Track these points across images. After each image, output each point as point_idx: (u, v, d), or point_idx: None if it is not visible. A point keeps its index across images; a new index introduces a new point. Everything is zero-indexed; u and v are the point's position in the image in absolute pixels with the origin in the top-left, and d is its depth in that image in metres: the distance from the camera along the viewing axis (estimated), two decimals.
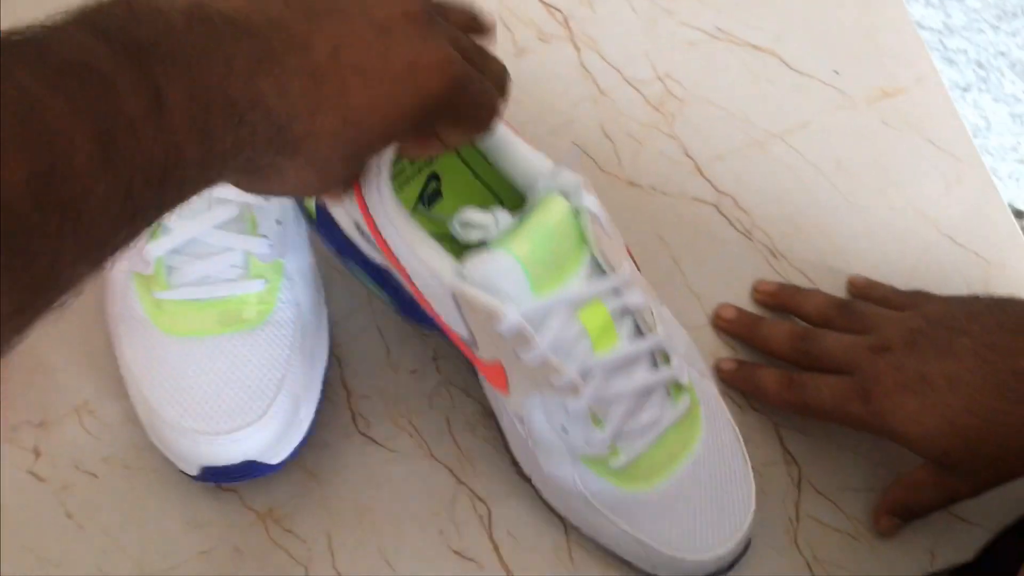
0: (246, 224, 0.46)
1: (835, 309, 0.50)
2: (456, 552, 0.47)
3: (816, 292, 0.52)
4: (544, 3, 0.60)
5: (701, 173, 0.56)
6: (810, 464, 0.50)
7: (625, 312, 0.44)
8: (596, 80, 0.58)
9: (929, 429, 0.44)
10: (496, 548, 0.48)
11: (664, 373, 0.45)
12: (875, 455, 0.50)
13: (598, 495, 0.46)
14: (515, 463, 0.49)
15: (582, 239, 0.41)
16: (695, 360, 0.48)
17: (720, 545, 0.45)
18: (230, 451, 0.44)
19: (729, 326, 0.52)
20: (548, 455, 0.46)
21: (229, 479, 0.46)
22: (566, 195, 0.41)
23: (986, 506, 0.48)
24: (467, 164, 0.48)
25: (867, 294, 0.52)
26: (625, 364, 0.44)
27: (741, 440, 0.47)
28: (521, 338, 0.41)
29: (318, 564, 0.47)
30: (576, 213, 0.41)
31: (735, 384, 0.51)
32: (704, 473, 0.46)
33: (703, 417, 0.47)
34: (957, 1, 1.47)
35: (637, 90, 0.58)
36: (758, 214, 0.55)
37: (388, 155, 0.41)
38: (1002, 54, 1.48)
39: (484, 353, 0.44)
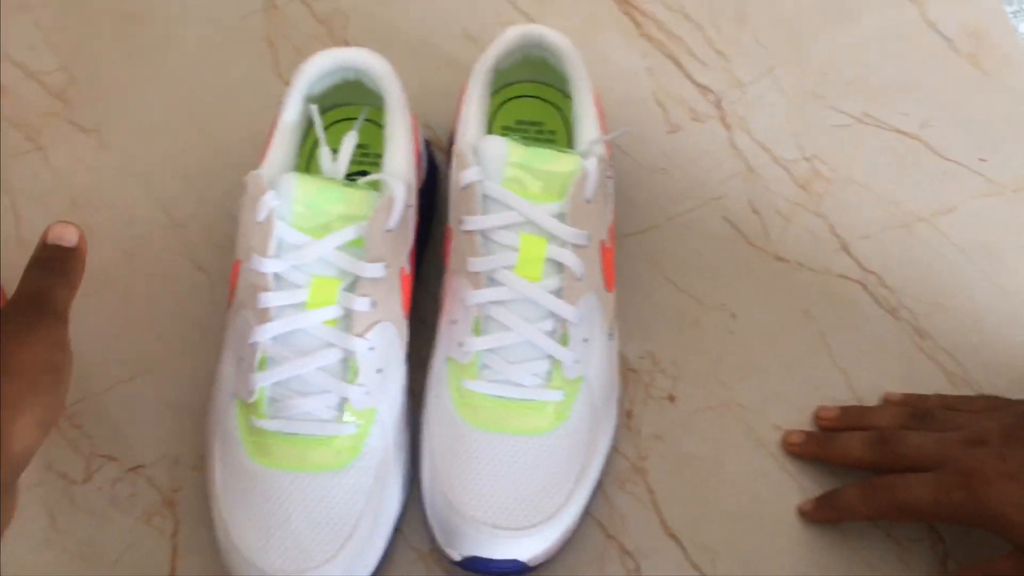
0: (348, 372, 0.46)
1: (911, 417, 0.50)
2: None
3: (887, 405, 0.53)
4: (697, 84, 0.63)
5: (847, 251, 0.58)
6: (956, 540, 0.51)
7: (559, 266, 0.47)
8: (746, 158, 0.61)
9: None
10: None
11: (552, 347, 0.46)
12: None
13: (438, 400, 0.48)
14: None
15: (565, 188, 0.46)
16: (602, 386, 0.49)
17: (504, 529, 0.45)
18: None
19: (801, 448, 0.52)
20: (438, 339, 0.49)
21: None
22: (584, 158, 0.47)
23: None
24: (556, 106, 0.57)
25: (924, 401, 0.52)
26: (528, 305, 0.46)
27: (590, 481, 0.48)
28: (468, 199, 0.46)
29: None
30: (576, 170, 0.46)
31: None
32: (524, 462, 0.46)
33: (561, 427, 0.47)
34: None
35: (785, 169, 0.60)
36: (904, 293, 0.57)
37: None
38: None
39: (451, 216, 0.49)
